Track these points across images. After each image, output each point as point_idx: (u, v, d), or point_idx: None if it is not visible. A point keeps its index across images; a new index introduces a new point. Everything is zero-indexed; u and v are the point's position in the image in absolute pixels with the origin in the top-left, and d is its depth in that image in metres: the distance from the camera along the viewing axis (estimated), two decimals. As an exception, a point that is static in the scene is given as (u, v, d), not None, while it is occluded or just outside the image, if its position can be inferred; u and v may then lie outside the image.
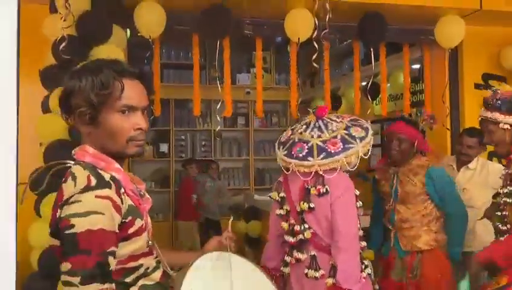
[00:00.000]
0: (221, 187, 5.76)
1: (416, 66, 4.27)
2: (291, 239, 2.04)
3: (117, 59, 1.25)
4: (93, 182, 1.09)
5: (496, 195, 2.26)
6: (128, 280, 1.17)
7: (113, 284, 1.08)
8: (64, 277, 1.03)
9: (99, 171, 1.14)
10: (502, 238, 2.15)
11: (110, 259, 1.07)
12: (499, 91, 2.13)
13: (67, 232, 1.03)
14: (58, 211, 1.08)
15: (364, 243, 2.10)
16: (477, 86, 3.48)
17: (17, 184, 1.03)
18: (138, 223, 1.16)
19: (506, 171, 2.15)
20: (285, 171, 2.11)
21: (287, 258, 2.08)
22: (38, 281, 2.47)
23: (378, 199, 2.83)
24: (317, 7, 2.71)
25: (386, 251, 2.70)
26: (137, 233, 1.15)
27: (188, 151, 6.45)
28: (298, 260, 2.03)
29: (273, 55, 6.46)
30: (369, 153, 2.02)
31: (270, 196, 2.20)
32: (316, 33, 2.84)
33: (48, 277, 2.43)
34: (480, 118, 2.20)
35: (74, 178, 1.10)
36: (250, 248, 5.25)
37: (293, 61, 3.29)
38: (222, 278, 1.42)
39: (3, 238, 0.71)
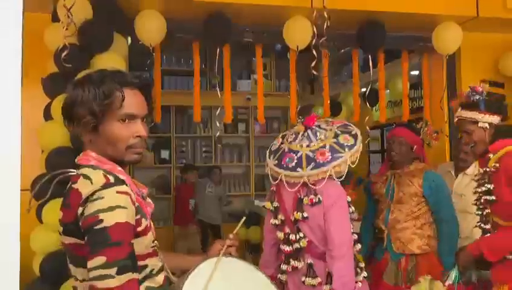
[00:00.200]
0: (222, 193, 5.78)
1: (415, 73, 4.31)
2: (287, 248, 2.05)
3: (119, 70, 1.30)
4: (111, 179, 1.14)
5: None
6: None
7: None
8: (97, 272, 1.05)
9: (108, 171, 1.18)
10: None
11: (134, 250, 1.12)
12: (476, 89, 2.12)
13: (96, 227, 1.07)
14: (80, 208, 1.10)
15: (359, 246, 2.12)
16: (475, 92, 3.49)
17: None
18: (144, 222, 1.20)
19: (484, 169, 2.15)
20: (273, 181, 2.12)
21: (284, 267, 2.09)
22: (41, 286, 2.48)
23: (371, 202, 2.86)
24: (315, 15, 2.74)
25: (379, 254, 2.72)
26: (144, 232, 1.19)
27: (189, 158, 6.47)
28: (295, 268, 2.05)
29: (274, 61, 6.50)
30: (357, 161, 2.02)
31: (264, 206, 2.21)
32: (314, 41, 2.87)
33: (50, 282, 2.45)
34: (457, 119, 2.20)
35: (87, 177, 1.14)
36: (251, 253, 5.27)
37: (292, 68, 3.32)
38: (224, 281, 1.45)
39: (7, 246, 0.73)
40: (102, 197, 1.09)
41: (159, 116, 3.29)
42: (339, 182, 2.05)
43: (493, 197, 2.11)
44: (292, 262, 2.04)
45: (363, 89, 4.05)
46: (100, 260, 1.05)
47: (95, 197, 1.10)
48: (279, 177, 2.06)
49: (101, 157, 1.22)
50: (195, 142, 6.56)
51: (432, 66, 3.67)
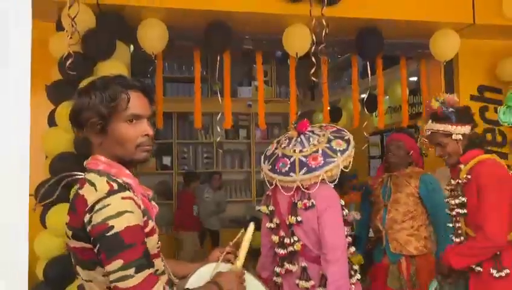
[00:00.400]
0: (221, 199, 5.81)
1: (414, 79, 4.35)
2: (281, 251, 2.07)
3: (121, 74, 1.36)
4: (115, 186, 1.19)
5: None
6: None
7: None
8: (116, 274, 1.12)
9: (113, 177, 1.23)
10: None
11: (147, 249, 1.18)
12: (446, 102, 2.11)
13: (108, 234, 1.12)
14: (87, 215, 1.15)
15: (353, 249, 2.14)
16: (473, 98, 3.53)
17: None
18: (150, 224, 1.26)
19: (456, 181, 2.15)
20: (269, 186, 2.16)
21: (278, 269, 2.12)
22: (44, 291, 2.52)
23: (367, 204, 2.90)
24: (314, 23, 2.79)
25: (378, 256, 2.75)
26: (150, 233, 1.25)
27: (191, 164, 6.51)
28: (289, 271, 2.07)
29: (274, 68, 6.56)
30: (350, 166, 2.05)
31: (259, 210, 2.25)
32: (313, 48, 2.92)
33: (54, 286, 2.48)
34: (429, 132, 2.18)
35: (92, 184, 1.19)
36: (252, 258, 5.28)
37: (292, 75, 3.36)
38: None
39: (16, 251, 0.77)
40: (109, 205, 1.14)
41: (161, 122, 3.34)
42: (332, 186, 2.08)
43: (465, 211, 2.11)
44: (286, 265, 2.06)
45: (363, 95, 4.09)
46: (118, 263, 1.11)
47: (100, 205, 1.14)
48: (274, 182, 2.10)
49: (110, 160, 1.27)
50: (197, 148, 6.60)
51: (430, 72, 3.71)
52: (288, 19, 2.99)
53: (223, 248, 1.64)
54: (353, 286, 2.04)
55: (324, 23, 2.77)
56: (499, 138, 3.51)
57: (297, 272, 2.06)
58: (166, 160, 6.34)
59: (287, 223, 2.06)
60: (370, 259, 2.88)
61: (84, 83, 1.36)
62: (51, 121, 2.69)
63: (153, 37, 2.88)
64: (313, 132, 2.15)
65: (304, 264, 2.05)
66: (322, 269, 2.00)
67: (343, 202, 2.09)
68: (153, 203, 1.37)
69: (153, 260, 1.25)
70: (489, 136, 3.47)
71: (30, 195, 1.31)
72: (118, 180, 1.23)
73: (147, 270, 1.15)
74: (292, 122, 2.52)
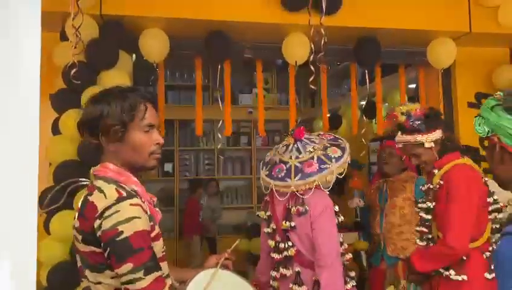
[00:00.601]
0: (216, 206, 5.89)
1: (413, 86, 4.40)
2: (277, 256, 2.12)
3: (134, 86, 1.43)
4: (124, 193, 1.24)
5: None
6: None
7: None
8: (126, 277, 1.18)
9: (121, 184, 1.28)
10: None
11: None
12: (411, 113, 2.09)
13: (118, 239, 1.18)
14: (97, 221, 1.21)
15: (349, 255, 2.17)
16: (470, 105, 3.58)
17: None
18: (156, 229, 1.32)
19: (428, 186, 2.15)
20: (265, 191, 2.20)
21: (274, 273, 2.15)
22: (47, 296, 2.55)
23: (366, 210, 2.94)
24: (313, 32, 2.84)
25: (377, 260, 2.78)
26: (156, 238, 1.31)
27: (192, 171, 6.55)
28: (284, 276, 2.11)
29: (275, 75, 6.62)
30: (344, 172, 2.09)
31: (258, 215, 2.29)
32: (312, 56, 2.97)
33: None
34: (401, 144, 2.17)
35: (101, 191, 1.25)
36: (254, 265, 5.30)
37: (291, 83, 3.42)
38: None
39: (25, 260, 0.81)
40: (118, 211, 1.20)
41: (163, 130, 3.39)
42: (328, 193, 2.11)
43: (429, 217, 2.12)
44: (281, 270, 2.10)
45: (363, 102, 4.14)
46: (128, 266, 1.17)
47: (110, 211, 1.20)
48: (270, 187, 2.15)
49: (119, 168, 1.32)
50: (198, 155, 6.65)
51: (428, 80, 3.76)
52: (288, 28, 3.05)
53: (219, 255, 1.69)
54: None
55: (323, 32, 2.83)
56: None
57: (291, 276, 2.09)
58: (168, 167, 6.38)
59: (282, 228, 2.11)
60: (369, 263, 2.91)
61: (95, 92, 1.41)
62: (55, 129, 2.74)
63: (155, 46, 2.94)
64: (309, 139, 2.19)
65: (297, 269, 2.08)
66: (315, 275, 2.03)
67: (337, 208, 2.13)
68: (157, 209, 1.42)
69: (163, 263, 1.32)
70: (486, 143, 3.50)
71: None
72: (126, 187, 1.28)
73: (156, 272, 1.21)
74: (291, 129, 2.58)
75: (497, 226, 2.13)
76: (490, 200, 2.09)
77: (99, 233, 1.20)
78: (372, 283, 2.82)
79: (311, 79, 2.86)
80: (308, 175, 2.04)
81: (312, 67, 2.86)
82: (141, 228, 1.21)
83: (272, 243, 2.16)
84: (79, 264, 1.33)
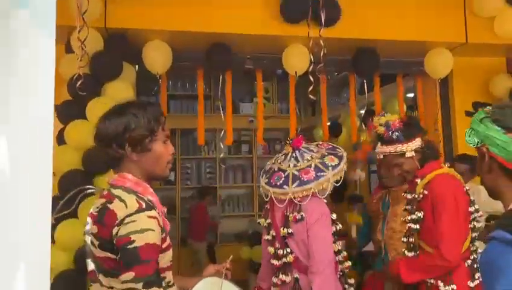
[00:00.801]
0: (214, 213, 6.02)
1: (411, 95, 4.46)
2: (276, 262, 2.16)
3: (147, 100, 1.50)
4: (143, 205, 1.30)
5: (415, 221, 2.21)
6: None
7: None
8: (126, 285, 1.23)
9: (139, 195, 1.34)
10: None
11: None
12: (390, 124, 2.09)
13: (129, 247, 1.23)
14: (115, 228, 1.26)
15: (348, 263, 2.21)
16: (467, 114, 3.63)
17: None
18: (168, 240, 1.38)
19: (413, 195, 2.15)
20: (265, 198, 2.26)
21: (274, 280, 2.20)
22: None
23: (368, 219, 2.98)
24: (312, 44, 2.91)
25: (379, 265, 2.81)
26: (167, 248, 1.37)
27: (194, 179, 6.60)
28: (283, 282, 2.15)
29: (275, 84, 6.69)
30: (341, 180, 2.14)
31: (259, 222, 2.35)
32: (311, 67, 3.03)
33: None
34: (381, 156, 2.16)
35: (122, 200, 1.30)
36: (255, 273, 5.33)
37: (292, 93, 3.48)
38: None
39: (39, 271, 0.86)
40: (135, 221, 1.25)
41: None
42: (325, 201, 2.16)
43: (417, 226, 2.11)
44: (280, 276, 2.14)
45: (363, 111, 4.20)
46: (130, 275, 1.22)
47: (128, 220, 1.26)
48: (269, 195, 2.20)
49: (137, 179, 1.38)
50: (200, 164, 6.70)
51: (426, 89, 3.82)
52: (287, 40, 3.12)
53: (218, 265, 1.74)
54: None
55: (322, 43, 2.90)
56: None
57: (290, 283, 2.14)
58: (170, 175, 6.43)
59: (281, 235, 2.16)
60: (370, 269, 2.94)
61: (113, 107, 1.46)
62: (60, 140, 2.80)
63: (158, 58, 3.00)
64: (308, 148, 2.26)
65: (296, 275, 2.13)
66: (309, 281, 2.07)
67: (334, 216, 2.17)
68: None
69: (166, 272, 1.37)
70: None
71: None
72: (144, 198, 1.34)
73: (156, 288, 1.24)
74: (290, 138, 2.64)
75: (476, 234, 2.16)
76: (472, 209, 2.11)
77: (115, 239, 1.26)
78: (373, 286, 2.85)
79: (310, 89, 2.92)
80: (305, 182, 2.10)
81: (311, 78, 2.92)
82: (152, 241, 1.25)
83: (271, 249, 2.21)
84: (90, 268, 1.38)
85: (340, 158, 2.20)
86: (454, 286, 2.01)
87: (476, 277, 2.10)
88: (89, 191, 1.45)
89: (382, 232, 2.76)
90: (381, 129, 2.13)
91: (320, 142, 2.40)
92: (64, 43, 2.89)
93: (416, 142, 2.11)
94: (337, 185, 2.13)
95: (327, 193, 2.13)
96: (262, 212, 2.40)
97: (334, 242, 2.23)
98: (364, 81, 3.55)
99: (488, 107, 1.24)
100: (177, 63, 3.16)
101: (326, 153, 2.22)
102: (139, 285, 1.21)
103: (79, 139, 2.65)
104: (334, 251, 2.17)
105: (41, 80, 0.83)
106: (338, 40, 3.10)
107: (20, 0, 0.78)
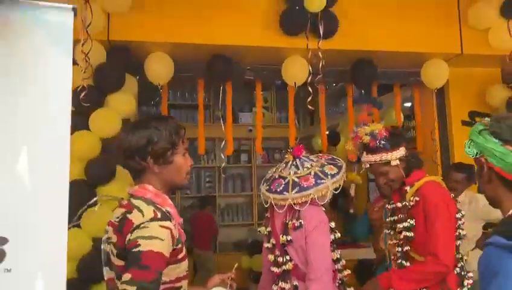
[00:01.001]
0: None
1: (409, 104, 4.52)
2: (276, 270, 2.20)
3: (164, 115, 1.55)
4: (159, 214, 1.34)
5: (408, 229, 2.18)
6: None
7: None
8: (122, 286, 1.24)
9: (158, 206, 1.38)
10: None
11: (160, 279, 1.29)
12: (375, 133, 2.13)
13: (134, 250, 1.26)
14: (128, 235, 1.30)
15: (347, 271, 2.25)
16: (464, 123, 3.68)
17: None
18: (184, 250, 1.41)
19: (403, 203, 2.16)
20: (265, 205, 2.30)
21: (274, 288, 2.22)
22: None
23: (370, 226, 3.01)
24: (311, 55, 2.97)
25: (383, 271, 2.83)
26: (183, 258, 1.40)
27: (193, 188, 6.63)
28: (283, 289, 2.18)
29: (274, 94, 6.75)
30: (340, 188, 2.18)
31: (259, 231, 2.39)
32: (310, 78, 3.09)
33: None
34: (367, 165, 2.20)
35: (140, 210, 1.34)
36: (255, 282, 5.34)
37: (291, 103, 3.53)
38: None
39: (56, 279, 0.89)
40: (146, 228, 1.29)
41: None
42: (323, 209, 2.21)
43: (412, 234, 2.11)
44: (280, 283, 2.18)
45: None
46: (127, 276, 1.24)
47: (141, 227, 1.30)
48: (269, 201, 2.25)
49: (157, 191, 1.43)
50: (200, 173, 6.72)
51: (423, 99, 3.88)
52: (287, 51, 3.18)
53: (223, 274, 1.76)
54: None
55: (320, 55, 2.97)
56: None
57: None
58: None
59: (281, 242, 2.20)
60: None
61: (134, 121, 1.52)
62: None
63: (160, 70, 3.06)
64: (308, 157, 2.32)
65: (295, 283, 2.16)
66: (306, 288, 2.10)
67: (333, 224, 2.21)
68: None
69: (182, 281, 1.41)
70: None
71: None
72: (163, 209, 1.38)
73: None
74: (290, 147, 2.70)
75: (460, 242, 2.18)
76: (459, 215, 2.16)
77: (127, 245, 1.30)
78: None
79: (309, 100, 2.98)
80: (304, 189, 2.15)
81: (310, 89, 2.97)
82: (158, 249, 1.27)
83: (271, 257, 2.25)
84: (108, 276, 1.41)
85: (340, 168, 2.25)
86: None
87: (465, 284, 2.14)
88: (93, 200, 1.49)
89: (385, 241, 2.79)
90: (367, 138, 2.17)
91: (320, 154, 2.46)
92: (68, 55, 2.95)
93: (401, 151, 2.15)
94: (336, 192, 2.18)
95: (326, 200, 2.18)
96: (263, 220, 2.44)
97: (333, 250, 2.27)
98: (362, 91, 3.60)
99: (486, 118, 1.29)
100: (178, 74, 3.22)
101: (325, 163, 2.27)
102: (133, 288, 1.21)
103: (82, 150, 2.69)
104: (333, 259, 2.20)
105: (58, 96, 0.88)
106: (336, 51, 3.17)
107: (38, 19, 0.83)
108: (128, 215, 1.35)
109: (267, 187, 2.32)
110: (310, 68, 3.08)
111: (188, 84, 5.64)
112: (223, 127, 3.46)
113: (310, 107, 2.95)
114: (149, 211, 1.34)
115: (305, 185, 2.16)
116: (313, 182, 2.16)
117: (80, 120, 2.76)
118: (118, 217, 1.39)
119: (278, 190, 2.22)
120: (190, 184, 6.64)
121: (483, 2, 3.32)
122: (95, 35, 2.62)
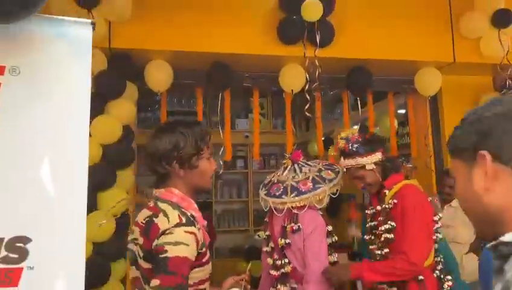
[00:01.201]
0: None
1: (403, 111, 4.60)
2: (275, 273, 2.25)
3: (191, 120, 1.59)
4: (184, 219, 1.37)
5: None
6: None
7: None
8: None
9: (183, 210, 1.42)
10: None
11: (187, 283, 1.33)
12: (350, 137, 2.20)
13: (161, 256, 1.30)
14: (155, 240, 1.33)
15: None
16: (457, 130, 3.75)
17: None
18: (208, 254, 1.45)
19: (383, 206, 2.21)
20: (264, 209, 2.36)
21: None
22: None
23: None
24: (308, 63, 3.04)
25: None
26: (207, 261, 1.44)
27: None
28: None
29: (270, 100, 6.81)
30: (338, 193, 2.24)
31: (258, 235, 2.44)
32: (307, 85, 3.16)
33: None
34: (344, 169, 2.26)
35: (166, 215, 1.38)
36: (253, 287, 5.37)
37: (288, 110, 3.59)
38: None
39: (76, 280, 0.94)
40: (172, 233, 1.33)
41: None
42: (321, 213, 2.27)
43: (392, 236, 2.16)
44: (279, 286, 2.23)
45: (356, 127, 4.32)
46: (155, 282, 1.29)
47: (167, 232, 1.34)
48: (268, 205, 2.30)
49: (183, 194, 1.46)
50: (196, 179, 6.74)
51: (417, 106, 3.96)
52: (284, 59, 3.24)
53: (237, 276, 1.79)
54: None
55: (317, 63, 3.04)
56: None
57: None
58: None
59: (279, 246, 2.25)
60: None
61: (160, 126, 1.55)
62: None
63: (160, 77, 3.11)
64: (306, 162, 2.38)
65: (294, 285, 2.22)
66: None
67: (330, 228, 2.27)
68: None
69: (206, 283, 1.45)
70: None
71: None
72: (187, 213, 1.41)
73: None
74: (288, 153, 2.76)
75: (438, 245, 2.23)
76: (436, 218, 2.21)
77: (154, 250, 1.34)
78: None
79: (306, 107, 3.04)
80: (303, 193, 2.21)
81: (308, 96, 3.04)
82: (183, 254, 1.31)
83: (270, 260, 2.30)
84: (135, 275, 1.45)
85: (337, 173, 2.31)
86: None
87: (445, 287, 2.19)
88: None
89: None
90: (342, 143, 2.23)
91: (318, 160, 2.53)
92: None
93: (377, 156, 2.20)
94: (334, 196, 2.24)
95: (324, 204, 2.24)
96: (263, 225, 2.50)
97: (330, 254, 2.33)
98: (358, 98, 3.68)
99: None
100: (177, 81, 3.27)
101: (323, 168, 2.34)
102: None
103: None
104: (330, 263, 2.26)
105: (77, 105, 0.92)
106: (332, 59, 3.24)
107: (60, 33, 0.88)
108: (155, 219, 1.39)
109: (266, 192, 2.38)
110: (307, 75, 3.15)
111: (187, 91, 5.68)
112: (221, 133, 3.50)
113: (307, 114, 3.01)
114: (174, 216, 1.38)
115: (303, 190, 2.22)
116: (311, 187, 2.22)
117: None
118: (144, 219, 1.43)
119: (277, 194, 2.28)
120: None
121: (475, 12, 3.41)
122: (96, 43, 2.63)
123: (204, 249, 1.43)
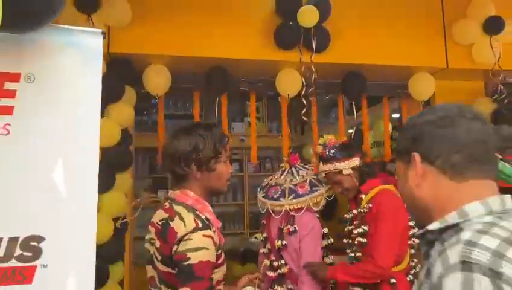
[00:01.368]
0: None
1: (397, 115, 4.66)
2: (272, 274, 2.29)
3: (209, 123, 1.63)
4: (200, 224, 1.40)
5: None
6: None
7: None
8: None
9: (198, 213, 1.43)
10: None
11: (212, 284, 1.38)
12: (327, 143, 2.26)
13: (185, 263, 1.32)
14: (175, 246, 1.35)
15: None
16: (450, 134, 3.82)
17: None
18: (222, 255, 1.49)
19: (358, 210, 2.26)
20: (262, 211, 2.41)
21: None
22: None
23: None
24: (304, 68, 3.09)
25: None
26: (223, 263, 1.48)
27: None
28: None
29: (266, 104, 6.86)
30: (333, 196, 2.30)
31: (256, 237, 2.49)
32: (304, 90, 3.21)
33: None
34: (323, 174, 2.31)
35: (182, 219, 1.40)
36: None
37: (284, 115, 3.63)
38: None
39: (86, 278, 0.97)
40: (191, 239, 1.35)
41: (159, 157, 3.54)
42: (317, 215, 2.32)
43: (365, 240, 2.21)
44: (275, 287, 2.28)
45: (351, 131, 4.38)
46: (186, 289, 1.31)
47: (186, 238, 1.36)
48: (266, 207, 2.35)
49: (198, 197, 1.48)
50: (191, 182, 6.77)
51: (411, 110, 4.00)
52: (281, 64, 3.29)
53: (251, 275, 1.83)
54: None
55: (313, 68, 3.09)
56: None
57: None
58: (162, 194, 6.48)
59: (276, 247, 2.30)
60: None
61: (179, 128, 1.56)
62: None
63: (158, 82, 3.15)
64: (303, 166, 2.44)
65: (290, 286, 2.27)
66: None
67: (326, 230, 2.32)
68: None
69: (222, 284, 1.49)
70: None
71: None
72: (202, 216, 1.43)
73: None
74: (284, 157, 2.81)
75: (414, 251, 2.29)
76: (412, 223, 2.25)
77: (174, 256, 1.36)
78: None
79: (303, 112, 3.09)
80: (300, 195, 2.26)
81: (304, 101, 3.09)
82: (206, 258, 1.34)
83: (267, 262, 2.35)
84: (151, 274, 1.47)
85: None
86: None
87: None
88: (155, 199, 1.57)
89: None
90: (320, 148, 2.29)
91: (312, 164, 2.58)
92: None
93: (354, 161, 2.26)
94: (330, 199, 2.30)
95: (320, 207, 2.29)
96: (260, 227, 2.55)
97: (326, 255, 2.38)
98: (353, 103, 3.73)
99: None
100: (175, 85, 3.31)
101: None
102: None
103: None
104: (326, 264, 2.31)
105: (88, 111, 0.97)
106: (328, 64, 3.30)
107: (72, 42, 0.92)
108: (171, 223, 1.41)
109: (264, 194, 2.43)
110: (303, 80, 3.20)
111: (184, 95, 5.72)
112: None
113: (304, 118, 3.06)
114: (190, 219, 1.39)
115: (301, 192, 2.27)
116: (309, 189, 2.28)
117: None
118: (160, 221, 1.44)
119: (275, 196, 2.33)
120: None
121: (467, 19, 3.49)
122: (96, 48, 2.71)
123: (220, 251, 1.45)
